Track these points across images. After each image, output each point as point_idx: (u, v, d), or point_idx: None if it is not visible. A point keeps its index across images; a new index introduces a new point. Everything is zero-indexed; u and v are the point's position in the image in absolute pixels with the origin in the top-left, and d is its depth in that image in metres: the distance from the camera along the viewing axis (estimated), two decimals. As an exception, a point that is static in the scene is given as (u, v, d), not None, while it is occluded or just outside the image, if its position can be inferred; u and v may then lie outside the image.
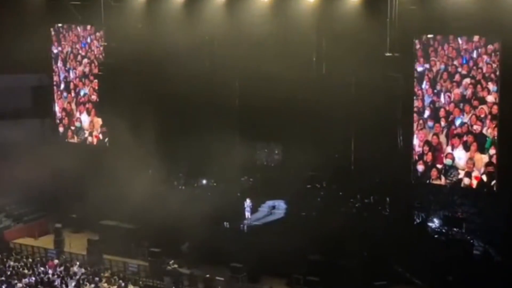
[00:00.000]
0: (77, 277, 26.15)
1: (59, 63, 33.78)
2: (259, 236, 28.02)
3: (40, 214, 33.35)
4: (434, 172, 26.15)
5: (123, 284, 25.45)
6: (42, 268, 26.96)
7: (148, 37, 30.58)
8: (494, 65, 24.51)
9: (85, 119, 33.72)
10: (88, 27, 32.61)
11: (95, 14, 31.59)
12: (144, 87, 31.20)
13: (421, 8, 25.83)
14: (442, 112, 25.82)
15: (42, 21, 32.66)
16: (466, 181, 25.42)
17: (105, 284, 25.58)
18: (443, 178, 26.00)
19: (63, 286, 25.32)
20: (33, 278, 25.88)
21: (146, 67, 31.01)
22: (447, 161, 25.79)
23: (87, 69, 33.23)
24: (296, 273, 26.27)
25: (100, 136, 33.20)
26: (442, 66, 25.68)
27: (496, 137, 24.69)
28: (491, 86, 24.69)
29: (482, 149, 25.03)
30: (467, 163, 25.35)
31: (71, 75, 33.63)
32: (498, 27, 24.07)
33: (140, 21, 31.23)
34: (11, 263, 27.55)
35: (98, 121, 33.21)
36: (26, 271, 26.66)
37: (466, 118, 25.26)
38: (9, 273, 26.30)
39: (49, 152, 31.70)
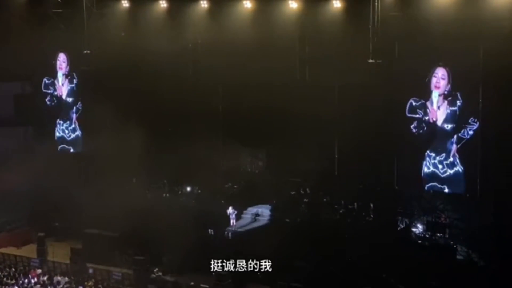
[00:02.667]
0: (61, 286, 26.03)
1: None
2: (243, 243, 27.97)
3: (22, 223, 33.10)
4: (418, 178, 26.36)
5: (107, 293, 25.39)
6: (25, 278, 26.79)
7: (132, 44, 30.55)
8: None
9: (68, 127, 33.60)
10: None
11: (77, 22, 31.49)
12: (128, 95, 31.11)
13: (402, 15, 26.00)
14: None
15: (25, 29, 32.46)
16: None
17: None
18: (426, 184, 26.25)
19: (47, 295, 25.23)
20: (16, 288, 25.75)
21: (129, 74, 30.94)
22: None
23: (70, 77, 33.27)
24: (281, 279, 26.24)
25: (84, 144, 33.06)
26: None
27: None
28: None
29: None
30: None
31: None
32: (479, 32, 24.25)
33: (123, 29, 31.22)
34: (-6, 272, 27.39)
35: (82, 128, 33.12)
36: (9, 280, 26.46)
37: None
38: (-9, 282, 26.16)
39: (31, 160, 31.52)
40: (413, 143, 26.53)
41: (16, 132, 34.32)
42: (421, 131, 26.23)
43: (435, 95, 25.70)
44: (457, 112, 25.26)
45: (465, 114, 25.11)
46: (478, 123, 24.78)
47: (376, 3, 26.20)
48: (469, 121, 24.99)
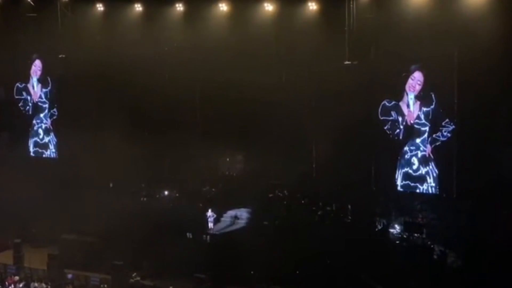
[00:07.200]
0: (38, 293, 25.81)
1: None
2: (222, 246, 27.94)
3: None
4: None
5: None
6: (2, 285, 26.52)
7: (107, 48, 30.38)
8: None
9: (44, 131, 33.34)
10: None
11: (52, 26, 31.25)
12: (104, 99, 30.96)
13: (378, 17, 26.15)
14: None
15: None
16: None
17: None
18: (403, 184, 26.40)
19: (24, 302, 25.02)
20: (-8, 295, 25.47)
21: (105, 79, 30.79)
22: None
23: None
24: (260, 282, 26.25)
25: (59, 149, 32.79)
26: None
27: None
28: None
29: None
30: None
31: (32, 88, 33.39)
32: (454, 34, 24.45)
33: (98, 33, 31.02)
34: (-31, 280, 27.09)
35: (57, 133, 32.87)
36: (-15, 288, 26.23)
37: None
38: (-34, 291, 25.87)
39: (7, 166, 31.22)
40: (389, 144, 26.69)
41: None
42: (395, 132, 26.42)
43: (411, 97, 25.88)
44: (431, 113, 25.45)
45: (440, 115, 25.29)
46: (453, 125, 24.97)
47: (351, 5, 26.37)
48: (443, 123, 25.17)
